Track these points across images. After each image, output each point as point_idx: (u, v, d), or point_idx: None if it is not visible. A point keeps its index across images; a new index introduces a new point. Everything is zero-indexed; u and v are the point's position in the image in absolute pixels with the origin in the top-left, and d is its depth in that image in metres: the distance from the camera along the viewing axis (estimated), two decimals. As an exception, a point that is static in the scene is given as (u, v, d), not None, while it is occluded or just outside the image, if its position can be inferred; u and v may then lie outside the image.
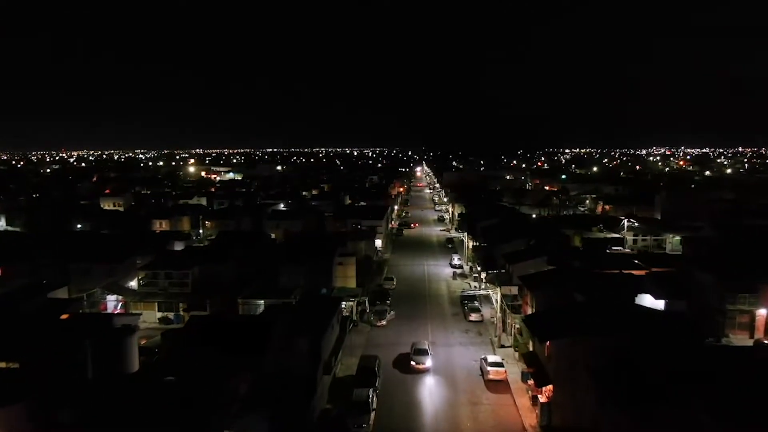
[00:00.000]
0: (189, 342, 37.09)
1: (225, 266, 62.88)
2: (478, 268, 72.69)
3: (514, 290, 58.52)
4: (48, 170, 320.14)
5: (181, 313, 57.82)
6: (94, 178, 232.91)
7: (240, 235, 79.20)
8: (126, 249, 66.62)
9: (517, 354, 47.96)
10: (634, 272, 60.77)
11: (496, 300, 53.74)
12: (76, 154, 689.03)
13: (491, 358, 44.67)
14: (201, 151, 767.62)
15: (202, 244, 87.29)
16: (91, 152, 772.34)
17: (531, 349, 42.67)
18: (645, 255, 77.50)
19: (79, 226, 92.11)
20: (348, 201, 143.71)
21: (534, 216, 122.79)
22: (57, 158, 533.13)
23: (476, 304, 60.97)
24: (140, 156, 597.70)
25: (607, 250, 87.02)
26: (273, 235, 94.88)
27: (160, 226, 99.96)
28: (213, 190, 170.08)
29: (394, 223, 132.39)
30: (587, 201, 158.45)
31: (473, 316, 58.07)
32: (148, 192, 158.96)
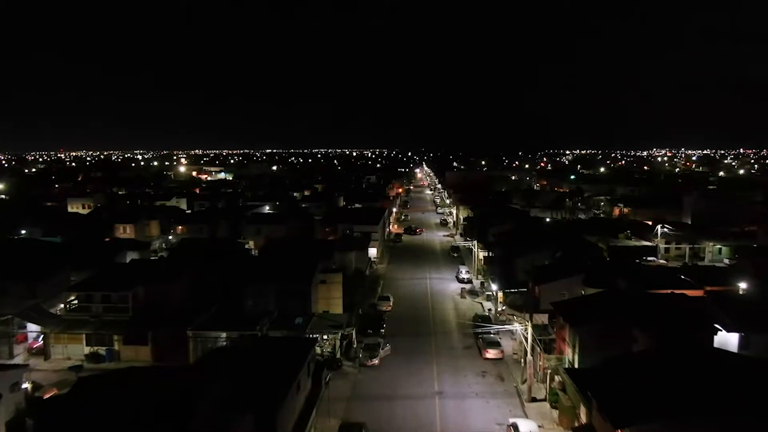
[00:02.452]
0: (76, 416, 24.31)
1: (178, 285, 50.21)
2: (493, 286, 59.97)
3: (544, 318, 45.91)
4: (33, 170, 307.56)
5: (116, 348, 45.13)
6: (80, 178, 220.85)
7: (205, 243, 66.32)
8: (58, 262, 53.93)
9: (556, 413, 35.21)
10: (687, 292, 48.40)
11: (522, 332, 41.05)
12: (74, 154, 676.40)
13: (524, 426, 31.85)
14: (200, 152, 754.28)
15: (162, 255, 74.58)
16: (90, 153, 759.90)
17: (585, 420, 29.85)
18: (690, 268, 64.72)
19: (23, 231, 79.28)
20: (342, 203, 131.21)
21: (548, 220, 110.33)
22: (54, 158, 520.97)
23: (493, 335, 48.08)
24: (138, 156, 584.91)
25: (641, 262, 74.90)
26: (251, 243, 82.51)
27: (124, 231, 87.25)
28: (197, 191, 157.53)
29: (394, 227, 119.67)
30: (602, 203, 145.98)
31: (491, 353, 45.25)
32: (124, 192, 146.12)
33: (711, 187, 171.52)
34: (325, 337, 44.99)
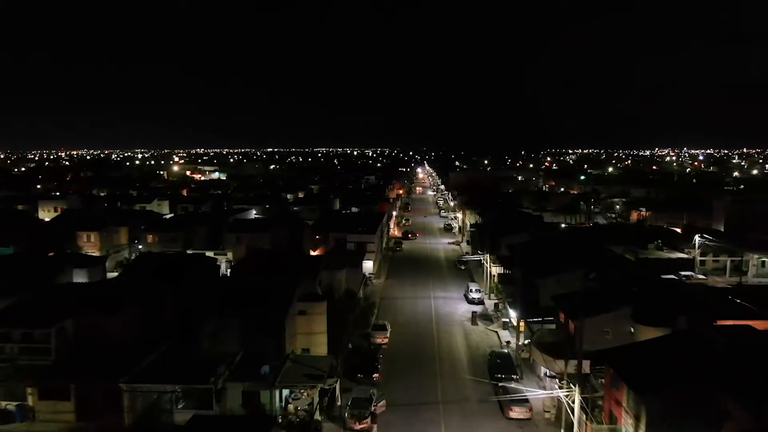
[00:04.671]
0: None
1: (121, 317, 40.03)
2: (511, 313, 49.83)
3: (585, 366, 35.60)
4: (23, 169, 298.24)
5: (30, 403, 34.96)
6: (68, 178, 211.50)
7: (168, 258, 55.95)
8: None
9: None
10: (753, 324, 38.50)
11: (565, 398, 30.87)
12: (75, 153, 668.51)
13: None
14: (201, 151, 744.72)
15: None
16: (91, 152, 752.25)
17: None
18: (745, 289, 54.35)
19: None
20: (339, 206, 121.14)
21: (563, 226, 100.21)
22: (53, 157, 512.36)
23: (515, 384, 37.83)
24: (138, 155, 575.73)
25: (681, 279, 64.76)
26: (230, 254, 72.46)
27: (88, 240, 77.27)
28: (184, 192, 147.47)
29: (395, 229, 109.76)
30: (618, 206, 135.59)
31: (516, 411, 34.97)
32: (103, 194, 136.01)
33: (727, 188, 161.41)
34: (301, 391, 34.81)
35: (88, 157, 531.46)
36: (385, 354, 45.17)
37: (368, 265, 69.03)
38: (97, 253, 76.27)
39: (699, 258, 73.71)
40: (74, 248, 76.23)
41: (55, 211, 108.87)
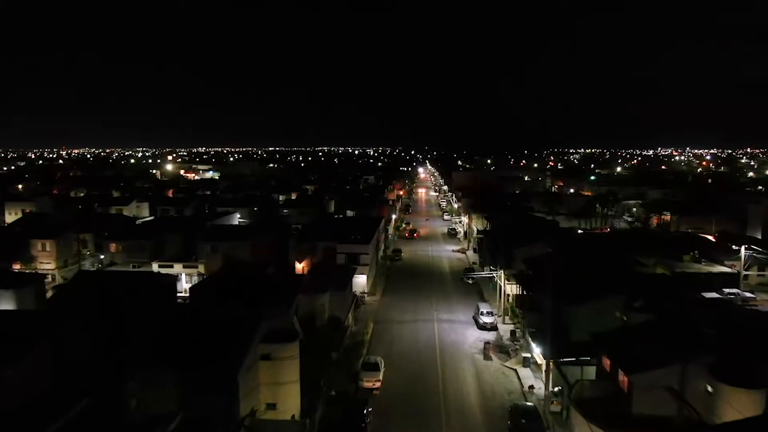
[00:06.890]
0: None
1: (27, 364, 30.41)
2: (535, 348, 40.21)
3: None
4: (13, 167, 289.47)
5: None
6: (57, 176, 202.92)
7: (111, 281, 46.07)
8: None
9: None
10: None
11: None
12: (75, 152, 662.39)
13: None
14: (203, 149, 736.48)
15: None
16: (92, 150, 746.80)
17: None
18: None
19: None
20: (334, 208, 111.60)
21: (579, 232, 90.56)
22: (52, 156, 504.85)
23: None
24: (139, 154, 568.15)
25: (724, 296, 55.30)
26: (202, 267, 62.99)
27: (42, 249, 67.97)
28: (170, 193, 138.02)
29: (395, 233, 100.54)
30: (635, 209, 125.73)
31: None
32: (81, 195, 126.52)
33: (748, 189, 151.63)
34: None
35: (88, 156, 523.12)
36: (376, 404, 35.51)
37: (361, 281, 59.36)
38: (53, 265, 67.33)
39: (744, 272, 63.99)
40: (27, 258, 67.22)
41: (23, 214, 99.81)
